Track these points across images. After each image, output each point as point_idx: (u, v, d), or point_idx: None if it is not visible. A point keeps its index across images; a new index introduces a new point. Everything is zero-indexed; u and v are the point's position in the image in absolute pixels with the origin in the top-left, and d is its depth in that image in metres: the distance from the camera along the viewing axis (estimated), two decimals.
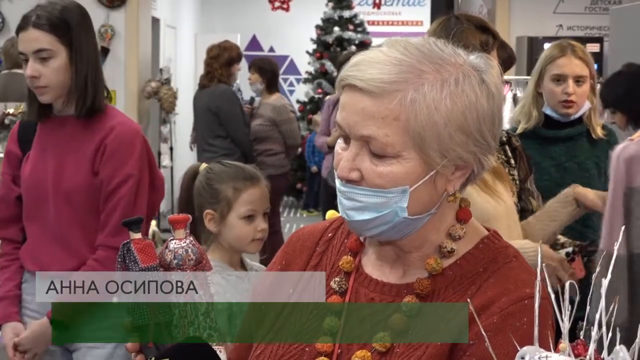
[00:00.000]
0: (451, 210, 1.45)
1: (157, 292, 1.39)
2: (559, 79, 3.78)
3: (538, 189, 3.87)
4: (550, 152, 3.81)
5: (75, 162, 2.99)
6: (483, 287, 1.39)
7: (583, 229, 3.65)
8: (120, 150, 3.00)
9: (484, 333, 1.09)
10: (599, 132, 3.85)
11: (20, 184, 3.08)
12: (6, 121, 5.15)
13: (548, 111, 3.86)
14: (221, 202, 2.82)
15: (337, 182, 1.39)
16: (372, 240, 1.48)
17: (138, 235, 1.41)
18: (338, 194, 1.40)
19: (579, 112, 3.81)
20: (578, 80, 3.77)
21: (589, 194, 2.98)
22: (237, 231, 2.83)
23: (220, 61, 7.57)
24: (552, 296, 1.01)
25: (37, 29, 2.92)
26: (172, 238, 1.43)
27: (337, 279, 1.50)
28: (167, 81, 10.03)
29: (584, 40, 9.13)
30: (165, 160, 10.97)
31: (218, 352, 1.42)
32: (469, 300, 1.34)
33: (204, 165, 2.93)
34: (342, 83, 1.38)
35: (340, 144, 1.41)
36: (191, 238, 1.44)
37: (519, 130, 3.92)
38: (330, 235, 1.58)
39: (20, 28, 2.95)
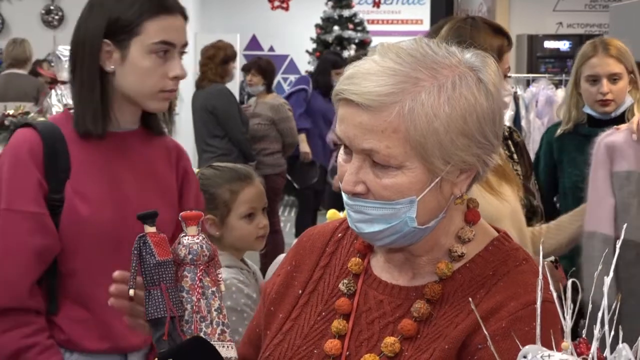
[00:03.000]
0: (459, 211, 1.44)
1: (172, 286, 1.40)
2: (594, 78, 3.78)
3: (568, 182, 3.87)
4: (586, 149, 3.80)
5: (158, 191, 2.31)
6: (492, 291, 1.38)
7: None
8: (194, 173, 2.49)
9: (488, 338, 1.08)
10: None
11: (67, 228, 2.18)
12: (6, 122, 5.13)
13: (588, 110, 3.86)
14: (219, 205, 2.83)
15: (344, 196, 1.38)
16: (380, 246, 1.47)
17: (153, 229, 1.42)
18: (346, 206, 1.39)
19: (619, 109, 3.80)
20: (613, 77, 3.76)
21: None
22: (239, 231, 2.85)
23: (216, 61, 7.59)
24: (554, 294, 1.01)
25: (183, 18, 2.30)
26: (184, 234, 1.43)
27: (345, 281, 1.49)
28: None
29: (584, 38, 9.14)
30: None
31: (230, 347, 1.42)
32: (470, 299, 1.33)
33: (195, 171, 2.93)
34: (338, 97, 1.36)
35: (342, 155, 1.39)
36: (204, 235, 1.44)
37: (559, 131, 3.93)
38: (340, 235, 1.57)
39: (160, 11, 2.23)
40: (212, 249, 1.44)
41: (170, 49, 2.22)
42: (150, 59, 2.21)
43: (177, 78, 2.24)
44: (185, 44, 2.27)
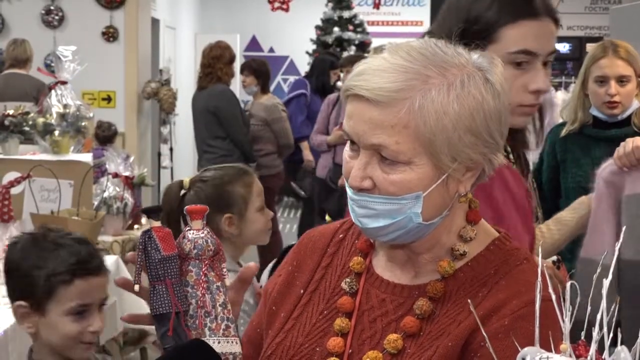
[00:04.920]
0: (461, 211, 1.45)
1: (177, 282, 1.39)
2: (602, 80, 3.77)
3: (572, 184, 3.87)
4: (592, 151, 3.78)
5: None
6: (494, 290, 1.39)
7: None
8: None
9: (486, 338, 1.08)
10: None
11: None
12: (6, 122, 5.13)
13: (595, 112, 3.85)
14: (237, 202, 2.86)
15: (349, 191, 1.39)
16: (383, 243, 1.47)
17: (158, 224, 1.41)
18: (350, 202, 1.39)
19: (626, 112, 3.79)
20: (622, 80, 3.76)
21: None
22: (257, 224, 2.91)
23: (223, 60, 7.57)
24: (553, 296, 1.01)
25: (552, 21, 2.07)
26: (189, 228, 1.43)
27: (347, 279, 1.49)
28: (167, 82, 10.03)
29: (584, 40, 9.14)
30: (165, 161, 10.97)
31: (234, 342, 1.42)
32: (469, 301, 1.34)
33: (187, 179, 2.93)
34: (348, 93, 1.37)
35: (348, 152, 1.40)
36: (209, 229, 1.44)
37: (564, 132, 3.92)
38: (341, 236, 1.58)
39: (521, 15, 1.98)
40: (217, 243, 1.44)
41: (531, 59, 1.94)
42: (507, 70, 1.86)
43: (539, 92, 1.96)
44: (552, 52, 1.99)
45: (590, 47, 3.92)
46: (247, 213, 2.87)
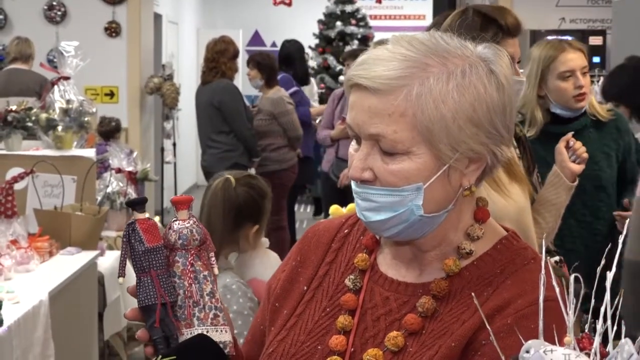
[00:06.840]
0: (469, 208, 1.43)
1: (163, 273, 1.39)
2: (568, 74, 3.75)
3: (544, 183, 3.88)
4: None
5: None
6: (500, 289, 1.37)
7: (594, 220, 3.68)
8: None
9: (491, 334, 1.07)
10: (605, 113, 3.85)
11: None
12: (9, 118, 5.13)
13: (558, 110, 3.82)
14: (264, 216, 2.92)
15: (352, 184, 1.38)
16: (389, 240, 1.46)
17: (142, 216, 1.41)
18: (354, 195, 1.39)
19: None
20: (583, 71, 3.76)
21: (569, 164, 3.01)
22: (263, 244, 2.96)
23: (228, 55, 7.55)
24: (557, 289, 1.01)
25: None
26: (175, 219, 1.43)
27: (351, 276, 1.48)
28: (170, 77, 10.02)
29: (587, 33, 9.13)
30: (168, 157, 10.97)
31: (224, 331, 1.41)
32: (473, 295, 1.33)
33: (232, 177, 2.96)
34: (349, 83, 1.37)
35: (353, 145, 1.40)
36: (195, 219, 1.43)
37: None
38: (346, 231, 1.56)
39: None
40: (203, 232, 1.43)
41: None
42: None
43: None
44: None
45: (536, 49, 3.87)
46: (262, 230, 2.94)
